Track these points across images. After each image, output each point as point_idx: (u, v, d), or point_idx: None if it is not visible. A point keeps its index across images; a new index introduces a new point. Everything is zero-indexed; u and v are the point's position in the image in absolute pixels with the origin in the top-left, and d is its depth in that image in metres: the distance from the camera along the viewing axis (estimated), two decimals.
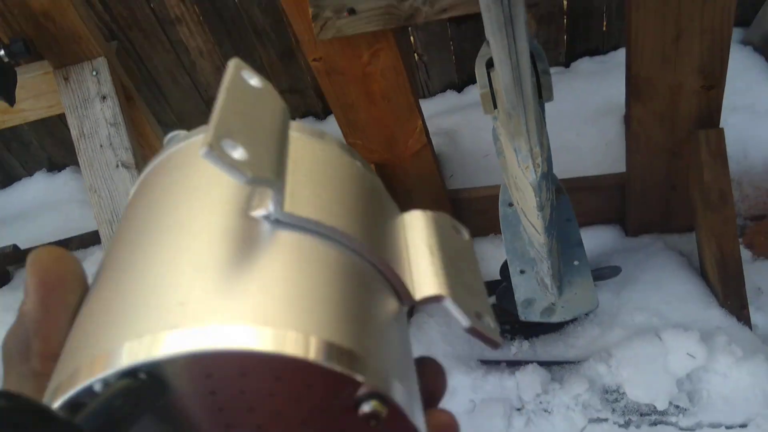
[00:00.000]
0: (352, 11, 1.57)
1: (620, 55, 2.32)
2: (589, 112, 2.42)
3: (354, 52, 1.70)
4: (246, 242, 0.29)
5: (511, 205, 1.77)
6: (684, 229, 2.17)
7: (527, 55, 1.08)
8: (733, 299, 1.79)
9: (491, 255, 2.20)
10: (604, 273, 1.84)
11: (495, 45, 1.05)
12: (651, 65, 1.66)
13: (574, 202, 2.22)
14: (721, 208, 1.78)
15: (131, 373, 0.25)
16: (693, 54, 1.63)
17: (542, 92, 1.32)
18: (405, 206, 0.39)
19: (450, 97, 2.79)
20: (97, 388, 0.25)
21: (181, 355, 0.25)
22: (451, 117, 2.59)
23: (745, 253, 2.10)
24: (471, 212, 2.26)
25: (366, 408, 0.27)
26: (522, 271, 1.69)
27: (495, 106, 1.36)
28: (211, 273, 0.28)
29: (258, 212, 0.30)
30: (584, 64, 2.66)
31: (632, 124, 1.81)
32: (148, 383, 0.25)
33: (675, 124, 1.81)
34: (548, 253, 1.54)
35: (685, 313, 1.82)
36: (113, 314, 0.28)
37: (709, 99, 1.74)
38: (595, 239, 2.20)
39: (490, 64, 1.31)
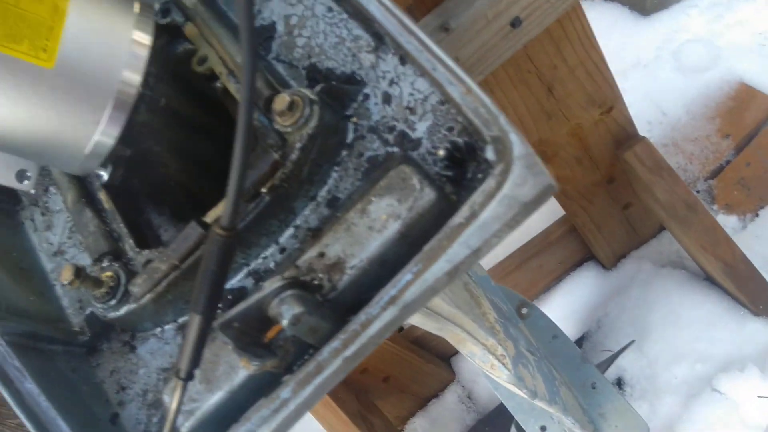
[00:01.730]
0: None
1: None
2: None
3: None
4: None
5: None
6: (655, 233, 1.89)
7: None
8: (764, 302, 1.51)
9: None
10: (618, 355, 1.53)
11: None
12: (542, 128, 1.37)
13: (536, 268, 1.93)
14: (694, 217, 1.49)
15: None
16: (574, 93, 1.35)
17: None
18: None
19: None
20: None
21: None
22: None
23: (730, 220, 1.82)
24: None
25: None
26: (543, 428, 1.37)
27: None
28: None
29: None
30: None
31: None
32: None
33: (595, 160, 1.53)
34: (564, 410, 1.23)
35: (725, 342, 1.53)
36: None
37: (614, 119, 1.46)
38: (579, 289, 1.91)
39: None
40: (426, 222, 0.49)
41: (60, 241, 0.65)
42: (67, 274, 0.53)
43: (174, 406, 0.47)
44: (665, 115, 2.04)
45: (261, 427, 0.47)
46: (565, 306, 1.87)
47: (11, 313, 0.55)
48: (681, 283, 1.70)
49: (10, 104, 0.48)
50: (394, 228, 0.49)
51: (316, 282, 0.50)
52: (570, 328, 1.81)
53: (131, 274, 0.57)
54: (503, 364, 1.07)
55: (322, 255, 0.50)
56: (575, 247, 1.88)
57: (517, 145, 0.43)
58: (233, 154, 0.42)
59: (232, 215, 0.42)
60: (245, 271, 0.59)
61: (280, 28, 0.62)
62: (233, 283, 0.59)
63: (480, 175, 0.51)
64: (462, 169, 0.51)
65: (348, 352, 0.46)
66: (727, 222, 1.82)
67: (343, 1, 0.53)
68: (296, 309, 0.47)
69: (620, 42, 2.11)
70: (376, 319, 0.45)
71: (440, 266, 0.44)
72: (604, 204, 1.66)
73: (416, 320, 0.96)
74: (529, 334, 1.32)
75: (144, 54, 0.53)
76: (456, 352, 2.01)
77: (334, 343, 0.47)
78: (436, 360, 1.96)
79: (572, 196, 1.59)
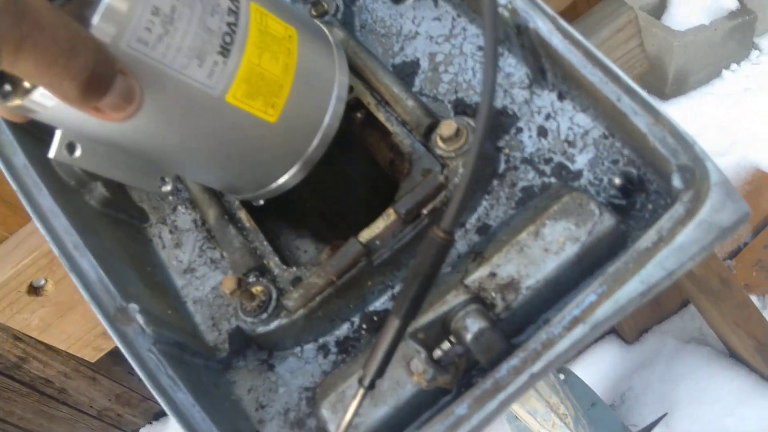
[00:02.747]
0: None
1: None
2: None
3: None
4: None
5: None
6: (677, 308, 1.91)
7: None
8: None
9: None
10: (652, 427, 1.52)
11: None
12: None
13: None
14: (727, 292, 1.51)
15: None
16: None
17: None
18: None
19: None
20: None
21: None
22: None
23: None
24: None
25: None
26: None
27: None
28: None
29: None
30: None
31: None
32: None
33: None
34: None
35: (755, 420, 1.53)
36: None
37: None
38: (600, 362, 1.90)
39: None
40: (602, 247, 0.50)
41: (190, 259, 0.64)
42: (230, 284, 0.53)
43: (349, 416, 0.46)
44: None
45: None
46: (587, 378, 1.86)
47: (158, 322, 0.54)
48: (706, 359, 1.71)
49: (229, 147, 0.51)
50: (572, 250, 0.50)
51: (488, 301, 0.50)
52: None
53: (280, 291, 0.57)
54: (565, 423, 1.06)
55: (493, 275, 0.51)
56: None
57: (714, 172, 0.45)
58: (469, 158, 0.44)
59: (455, 219, 0.43)
60: (389, 293, 0.59)
61: (425, 64, 0.65)
62: (377, 305, 0.59)
63: (650, 207, 0.52)
64: (630, 199, 0.53)
65: (535, 369, 0.46)
66: None
67: (519, 35, 0.55)
68: (482, 323, 0.48)
69: None
70: (562, 338, 0.46)
71: (634, 286, 0.45)
72: None
73: None
74: (573, 398, 1.31)
75: (341, 110, 0.56)
76: None
77: (513, 361, 0.47)
78: None
79: None
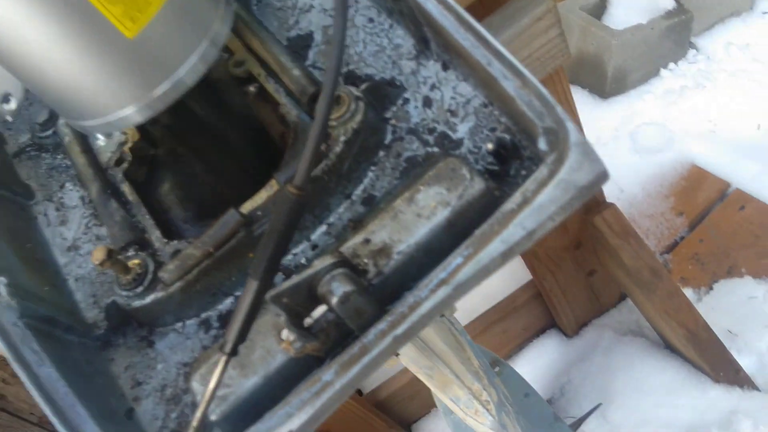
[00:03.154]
0: None
1: None
2: None
3: None
4: None
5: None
6: (616, 302, 1.94)
7: None
8: (724, 369, 1.55)
9: None
10: (586, 417, 1.53)
11: None
12: None
13: (501, 333, 1.94)
14: (658, 282, 1.54)
15: None
16: None
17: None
18: None
19: None
20: None
21: None
22: None
23: (686, 293, 1.88)
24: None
25: None
26: None
27: None
28: None
29: None
30: None
31: None
32: None
33: (566, 223, 1.57)
34: None
35: (688, 409, 1.55)
36: None
37: None
38: (541, 356, 1.92)
39: None
40: (473, 212, 0.50)
41: (75, 236, 0.63)
42: (99, 255, 0.52)
43: (213, 384, 0.45)
44: (623, 191, 2.12)
45: (301, 410, 0.46)
46: (529, 372, 1.88)
47: (30, 296, 0.53)
48: (642, 350, 1.73)
49: (67, 47, 0.47)
50: (443, 215, 0.49)
51: (361, 267, 0.50)
52: None
53: (158, 264, 0.56)
54: (488, 409, 1.06)
55: (367, 241, 0.50)
56: (539, 313, 1.90)
57: (574, 132, 0.45)
58: (316, 109, 0.43)
59: (307, 173, 0.42)
60: None
61: (318, 37, 0.64)
62: None
63: (523, 172, 0.52)
64: (505, 166, 0.53)
65: (398, 331, 0.45)
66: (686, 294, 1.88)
67: (397, 1, 0.55)
68: (347, 287, 0.47)
69: (582, 121, 2.21)
70: (426, 300, 0.45)
71: (495, 246, 0.45)
72: (570, 269, 1.70)
73: (411, 355, 0.95)
74: (504, 389, 1.31)
75: (200, 72, 0.54)
76: (417, 419, 1.97)
77: (381, 325, 0.46)
78: (398, 426, 1.92)
79: (542, 258, 1.63)
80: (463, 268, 0.45)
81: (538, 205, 0.45)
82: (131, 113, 0.53)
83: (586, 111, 2.27)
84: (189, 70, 0.53)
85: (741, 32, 2.31)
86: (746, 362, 1.64)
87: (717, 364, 1.55)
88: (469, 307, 1.84)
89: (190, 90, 0.55)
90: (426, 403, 1.91)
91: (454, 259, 0.46)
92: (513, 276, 1.89)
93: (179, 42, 0.52)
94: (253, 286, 0.43)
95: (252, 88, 0.64)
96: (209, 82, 0.65)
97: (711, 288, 1.87)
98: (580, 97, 2.30)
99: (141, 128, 0.65)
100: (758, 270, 1.84)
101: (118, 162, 0.63)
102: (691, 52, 2.28)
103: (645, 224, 2.08)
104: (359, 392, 1.87)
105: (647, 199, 2.11)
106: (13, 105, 0.52)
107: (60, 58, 0.48)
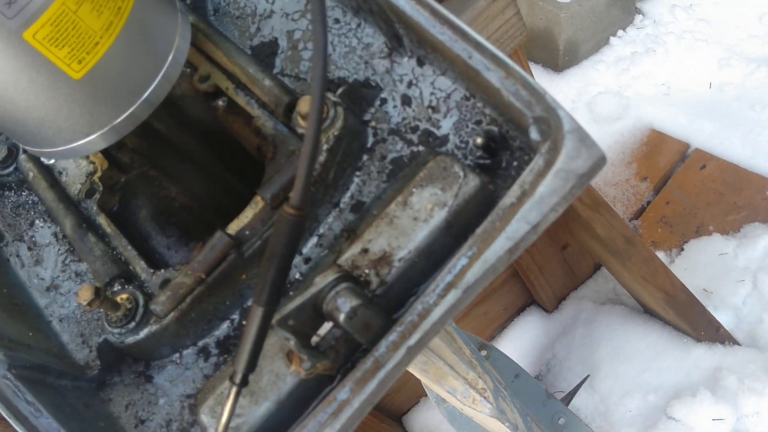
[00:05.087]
0: None
1: None
2: None
3: None
4: None
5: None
6: (591, 272, 1.96)
7: None
8: (704, 328, 1.57)
9: None
10: (576, 390, 1.55)
11: None
12: None
13: (482, 315, 1.95)
14: (632, 250, 1.55)
15: None
16: None
17: None
18: None
19: None
20: None
21: None
22: None
23: (659, 256, 1.91)
24: None
25: None
26: None
27: None
28: None
29: None
30: None
31: None
32: None
33: None
34: None
35: (673, 371, 1.58)
36: None
37: None
38: (524, 334, 1.93)
39: None
40: (470, 209, 0.49)
41: (53, 275, 0.60)
42: (85, 295, 0.49)
43: (226, 417, 0.43)
44: None
45: None
46: (513, 352, 1.89)
47: (15, 345, 0.50)
48: (622, 318, 1.75)
49: (15, 89, 0.46)
50: (440, 216, 0.48)
51: (362, 278, 0.48)
52: None
53: (148, 296, 0.53)
54: (485, 397, 1.06)
55: (366, 251, 0.49)
56: (518, 292, 1.91)
57: (567, 120, 0.44)
58: (307, 126, 0.41)
59: (304, 193, 0.41)
60: None
61: (283, 43, 0.62)
62: None
63: (515, 163, 0.51)
64: (496, 158, 0.52)
65: (411, 341, 0.44)
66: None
67: (364, 2, 0.53)
68: (353, 302, 0.45)
69: None
70: (436, 306, 0.44)
71: (501, 244, 0.44)
72: (544, 245, 1.71)
73: None
74: (496, 373, 1.31)
75: (165, 91, 0.52)
76: (407, 411, 1.97)
77: (392, 337, 0.45)
78: (389, 420, 1.91)
79: None
80: (470, 269, 0.44)
81: (539, 197, 0.44)
82: (95, 138, 0.51)
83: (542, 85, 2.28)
84: (152, 91, 0.51)
85: None
86: (724, 318, 1.67)
87: (697, 323, 1.58)
88: None
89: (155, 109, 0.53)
90: (414, 393, 1.91)
91: (459, 261, 0.45)
92: None
93: (139, 68, 0.50)
94: (258, 312, 0.41)
95: (221, 102, 0.62)
96: (173, 100, 0.63)
97: (682, 249, 1.90)
98: (535, 73, 2.31)
99: (108, 155, 0.62)
100: (725, 226, 1.88)
101: (89, 193, 0.60)
102: (638, 18, 2.31)
103: (611, 192, 2.10)
104: None
105: (611, 168, 2.13)
106: None
107: (16, 96, 0.47)
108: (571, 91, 2.24)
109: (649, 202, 2.04)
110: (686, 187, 2.00)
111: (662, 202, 2.03)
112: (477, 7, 1.07)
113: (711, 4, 2.29)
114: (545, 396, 1.37)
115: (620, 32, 2.28)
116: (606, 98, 2.17)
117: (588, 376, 1.57)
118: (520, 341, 1.91)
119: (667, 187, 2.04)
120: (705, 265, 1.80)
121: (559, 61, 2.24)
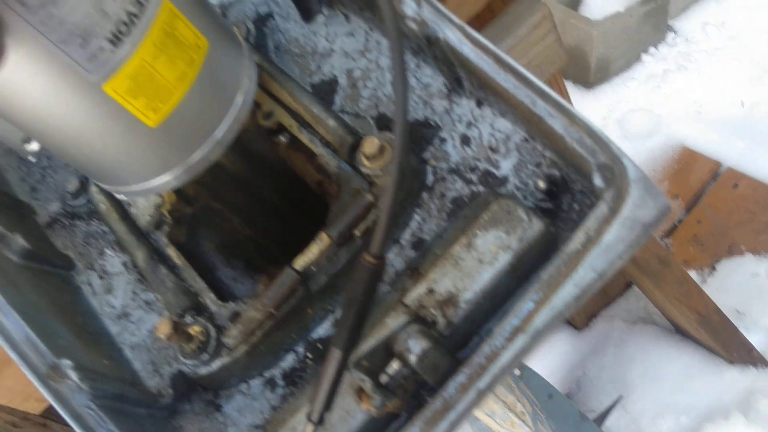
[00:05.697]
0: None
1: None
2: None
3: None
4: None
5: None
6: (622, 291, 1.96)
7: None
8: (737, 350, 1.57)
9: None
10: (609, 411, 1.55)
11: None
12: None
13: None
14: (666, 271, 1.55)
15: None
16: None
17: None
18: None
19: None
20: None
21: None
22: None
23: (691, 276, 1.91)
24: None
25: None
26: None
27: None
28: None
29: None
30: None
31: None
32: None
33: None
34: None
35: (706, 393, 1.57)
36: None
37: None
38: (554, 351, 1.93)
39: None
40: (534, 253, 0.50)
41: (123, 303, 0.62)
42: (164, 329, 0.51)
43: None
44: None
45: None
46: (543, 369, 1.89)
47: (95, 375, 0.52)
48: (654, 338, 1.75)
49: (93, 136, 0.49)
50: (505, 259, 0.50)
51: (429, 319, 0.50)
52: None
53: (219, 328, 0.55)
54: (523, 421, 1.07)
55: (431, 291, 0.51)
56: None
57: (632, 169, 0.46)
58: (389, 177, 0.43)
59: (383, 242, 0.43)
60: (331, 319, 0.58)
61: (342, 81, 0.64)
62: (320, 332, 0.58)
63: (576, 207, 0.53)
64: (557, 201, 0.53)
65: (481, 384, 0.46)
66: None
67: (430, 46, 0.55)
68: (425, 344, 0.47)
69: None
70: (504, 350, 0.46)
71: (568, 291, 0.45)
72: None
73: None
74: (530, 394, 1.32)
75: (235, 133, 0.54)
76: None
77: (460, 378, 0.46)
78: None
79: None
80: (537, 315, 0.46)
81: (606, 245, 0.45)
82: (170, 179, 0.53)
83: (572, 103, 2.29)
84: (224, 132, 0.54)
85: (716, 11, 2.34)
86: (755, 340, 1.66)
87: (730, 345, 1.57)
88: None
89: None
90: None
91: (525, 304, 0.47)
92: None
93: (210, 112, 0.53)
94: (336, 355, 0.43)
95: (282, 138, 0.64)
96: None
97: (714, 269, 1.89)
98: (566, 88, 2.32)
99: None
100: (757, 246, 1.87)
101: (158, 225, 0.63)
102: (670, 35, 2.31)
103: None
104: None
105: None
106: (35, 146, 0.52)
107: (93, 141, 0.49)
108: (602, 108, 2.24)
109: (680, 221, 2.04)
110: (718, 206, 2.00)
111: (694, 220, 2.03)
112: (518, 35, 1.09)
113: (743, 22, 2.28)
114: (579, 417, 1.38)
115: (652, 49, 2.28)
116: (637, 115, 2.17)
117: (621, 397, 1.57)
118: (551, 358, 1.91)
119: (698, 206, 2.04)
120: (737, 286, 1.79)
121: (591, 77, 2.25)
